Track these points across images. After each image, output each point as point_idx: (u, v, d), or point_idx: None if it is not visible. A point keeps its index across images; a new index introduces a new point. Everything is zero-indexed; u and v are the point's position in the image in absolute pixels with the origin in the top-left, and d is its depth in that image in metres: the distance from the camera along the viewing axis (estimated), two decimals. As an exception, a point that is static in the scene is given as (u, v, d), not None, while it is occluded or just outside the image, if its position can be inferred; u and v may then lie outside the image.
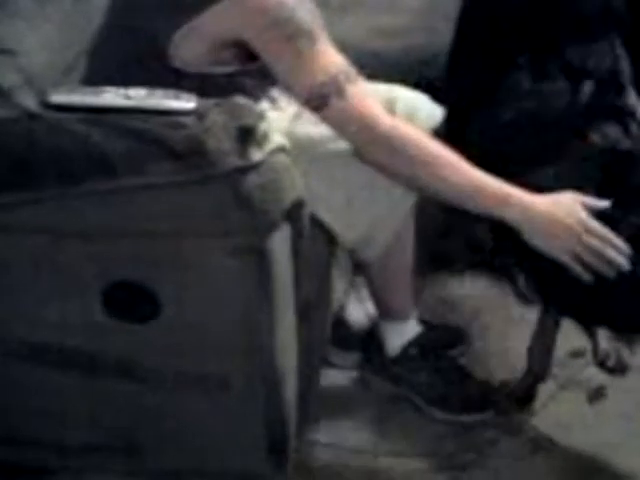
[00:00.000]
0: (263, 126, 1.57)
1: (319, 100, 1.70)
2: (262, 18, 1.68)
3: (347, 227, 1.86)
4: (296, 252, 1.71)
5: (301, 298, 1.75)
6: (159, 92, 1.61)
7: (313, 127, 1.81)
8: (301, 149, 1.73)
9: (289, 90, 1.76)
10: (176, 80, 1.69)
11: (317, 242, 1.82)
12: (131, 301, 1.66)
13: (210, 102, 1.59)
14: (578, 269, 1.72)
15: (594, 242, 1.71)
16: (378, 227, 1.88)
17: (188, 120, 1.56)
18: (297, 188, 1.65)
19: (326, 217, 1.83)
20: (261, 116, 1.58)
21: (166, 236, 1.61)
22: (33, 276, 1.67)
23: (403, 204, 1.91)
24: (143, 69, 1.72)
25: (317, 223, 1.81)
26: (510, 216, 1.73)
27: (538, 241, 1.74)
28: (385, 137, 1.71)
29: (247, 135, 1.55)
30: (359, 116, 1.71)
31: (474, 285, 2.32)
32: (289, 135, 1.69)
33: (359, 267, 2.06)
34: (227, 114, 1.57)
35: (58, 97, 1.60)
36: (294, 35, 1.68)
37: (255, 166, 1.55)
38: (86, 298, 1.65)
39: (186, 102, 1.59)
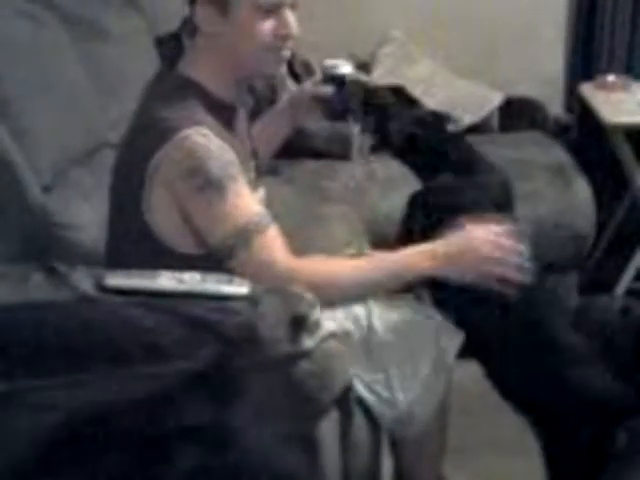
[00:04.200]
0: (315, 313, 1.58)
1: (226, 251, 1.73)
2: (176, 168, 1.71)
3: (387, 406, 1.84)
4: (344, 435, 1.70)
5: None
6: (213, 276, 1.63)
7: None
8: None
9: (205, 242, 1.76)
10: (168, 261, 1.72)
11: (363, 422, 1.81)
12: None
13: (262, 288, 1.61)
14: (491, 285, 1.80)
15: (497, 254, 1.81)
16: (418, 405, 1.86)
17: (241, 306, 1.58)
18: (347, 373, 1.65)
19: (367, 397, 1.82)
20: (313, 304, 1.59)
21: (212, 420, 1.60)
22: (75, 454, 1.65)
23: (441, 381, 1.89)
24: (137, 250, 1.77)
25: (359, 402, 1.80)
26: (431, 273, 1.82)
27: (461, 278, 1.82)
28: (284, 279, 1.71)
29: (299, 322, 1.56)
30: (258, 266, 1.73)
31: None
32: None
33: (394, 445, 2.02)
34: (279, 301, 1.59)
35: (114, 280, 1.61)
36: (203, 186, 1.71)
37: (307, 354, 1.56)
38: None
39: (239, 287, 1.61)
